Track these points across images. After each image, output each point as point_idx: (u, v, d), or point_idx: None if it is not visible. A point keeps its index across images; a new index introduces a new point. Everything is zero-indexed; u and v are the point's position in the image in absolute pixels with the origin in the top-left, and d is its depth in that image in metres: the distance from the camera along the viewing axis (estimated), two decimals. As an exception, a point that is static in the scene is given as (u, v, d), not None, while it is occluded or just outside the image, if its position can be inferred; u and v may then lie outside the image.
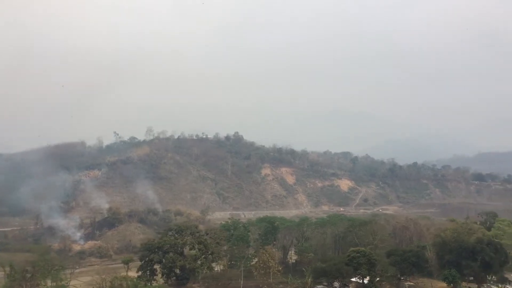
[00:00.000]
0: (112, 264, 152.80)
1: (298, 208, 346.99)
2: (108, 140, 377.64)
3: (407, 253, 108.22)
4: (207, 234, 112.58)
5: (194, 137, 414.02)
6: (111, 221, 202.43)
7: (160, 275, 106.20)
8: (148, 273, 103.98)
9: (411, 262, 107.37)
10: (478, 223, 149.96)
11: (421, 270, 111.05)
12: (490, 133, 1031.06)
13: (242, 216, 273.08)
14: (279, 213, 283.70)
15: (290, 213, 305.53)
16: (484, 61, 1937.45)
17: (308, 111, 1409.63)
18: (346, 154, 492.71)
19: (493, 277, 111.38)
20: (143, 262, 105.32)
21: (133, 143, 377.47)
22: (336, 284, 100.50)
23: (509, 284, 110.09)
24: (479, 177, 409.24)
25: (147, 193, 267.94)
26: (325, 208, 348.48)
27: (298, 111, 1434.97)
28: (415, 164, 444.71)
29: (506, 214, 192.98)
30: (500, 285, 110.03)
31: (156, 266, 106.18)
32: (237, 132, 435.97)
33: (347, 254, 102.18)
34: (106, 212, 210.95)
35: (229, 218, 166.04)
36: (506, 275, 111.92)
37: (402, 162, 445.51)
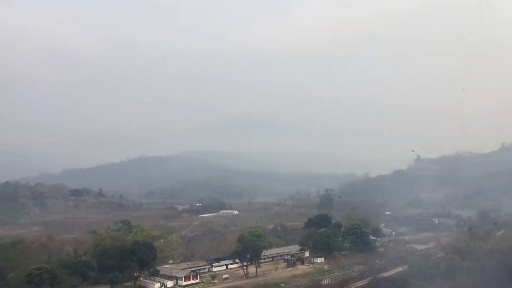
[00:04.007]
0: None
1: None
2: None
3: (77, 264, 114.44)
4: None
5: None
6: None
7: None
8: None
9: (80, 271, 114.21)
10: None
11: (88, 278, 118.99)
12: (72, 150, 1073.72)
13: None
14: None
15: None
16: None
17: None
18: None
19: (147, 272, 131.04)
20: None
21: None
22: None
23: (159, 275, 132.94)
24: (76, 193, 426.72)
25: None
26: None
27: None
28: (8, 183, 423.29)
29: (103, 225, 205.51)
30: (150, 277, 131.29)
31: None
32: None
33: (26, 273, 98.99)
34: None
35: None
36: (158, 268, 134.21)
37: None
